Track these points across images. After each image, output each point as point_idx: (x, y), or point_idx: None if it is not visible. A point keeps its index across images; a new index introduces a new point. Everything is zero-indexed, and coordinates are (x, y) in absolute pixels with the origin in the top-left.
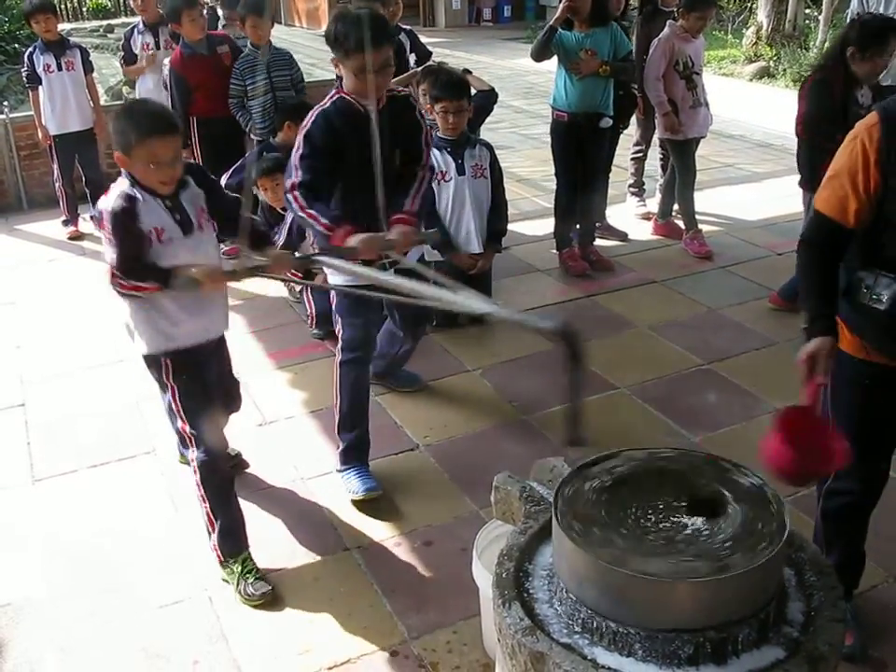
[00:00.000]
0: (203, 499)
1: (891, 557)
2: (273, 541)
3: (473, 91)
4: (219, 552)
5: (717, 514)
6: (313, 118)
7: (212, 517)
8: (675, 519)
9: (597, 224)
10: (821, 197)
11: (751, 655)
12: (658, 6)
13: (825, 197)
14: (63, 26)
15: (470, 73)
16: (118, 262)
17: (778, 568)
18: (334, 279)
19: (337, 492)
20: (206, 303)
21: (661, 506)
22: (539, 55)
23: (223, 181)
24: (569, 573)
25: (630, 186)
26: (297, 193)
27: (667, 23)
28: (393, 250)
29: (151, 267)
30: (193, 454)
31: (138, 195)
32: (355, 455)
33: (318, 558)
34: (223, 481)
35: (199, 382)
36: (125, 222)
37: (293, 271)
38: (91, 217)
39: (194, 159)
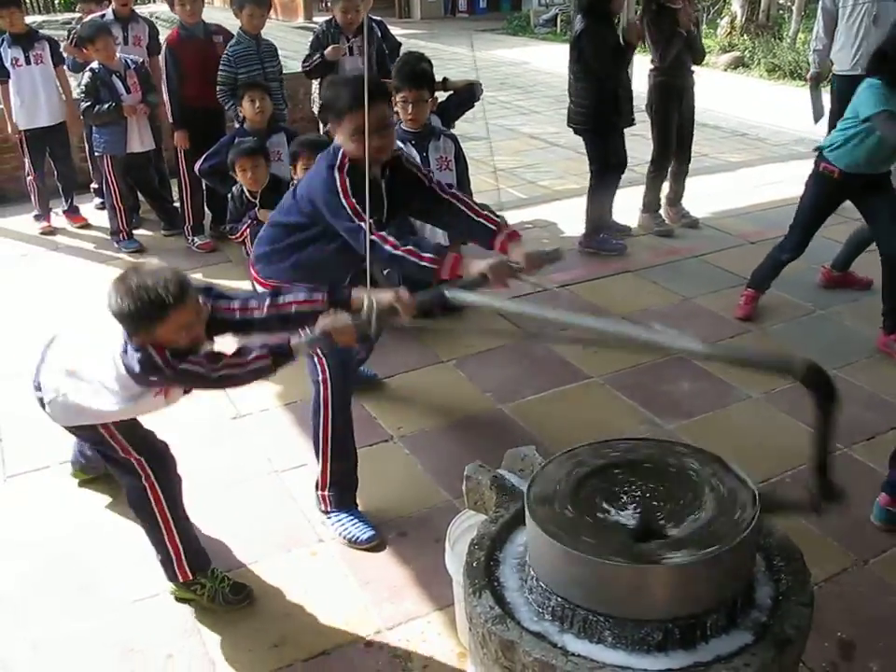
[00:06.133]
0: (164, 518)
1: (859, 541)
2: (247, 534)
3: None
4: (186, 571)
5: (688, 502)
6: (346, 178)
7: (175, 537)
8: (646, 508)
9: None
10: None
11: (720, 640)
12: (663, 2)
13: None
14: (35, 18)
15: (447, 80)
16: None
17: (748, 555)
18: None
19: (311, 484)
20: None
21: (632, 495)
22: None
23: (197, 167)
24: (540, 562)
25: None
26: (382, 234)
27: None
28: (522, 273)
29: (272, 348)
30: (147, 475)
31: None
32: (347, 500)
33: (293, 550)
34: (179, 492)
35: None
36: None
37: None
38: (64, 212)
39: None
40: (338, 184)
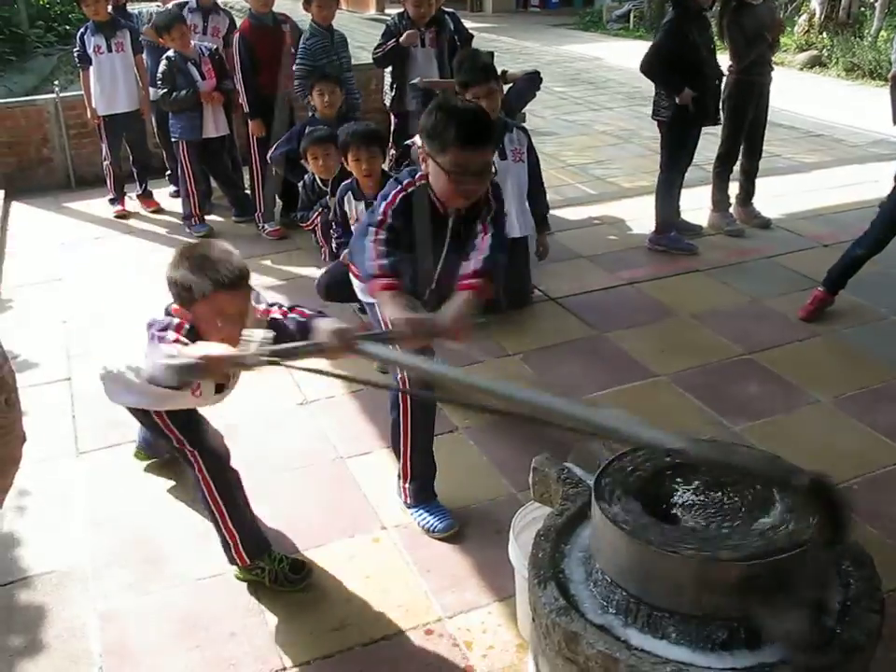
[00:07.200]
0: (218, 508)
1: None
2: (310, 519)
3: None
4: (244, 557)
5: (757, 504)
6: (396, 201)
7: (230, 525)
8: (714, 506)
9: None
10: None
11: None
12: None
13: None
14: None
15: (507, 72)
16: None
17: (817, 559)
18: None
19: (375, 472)
20: None
21: (701, 493)
22: None
23: (269, 154)
24: (606, 555)
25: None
26: (380, 230)
27: None
28: (441, 337)
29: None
30: (199, 467)
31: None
32: (427, 491)
33: (355, 537)
34: (237, 482)
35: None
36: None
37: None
38: (138, 196)
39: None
40: (389, 198)
